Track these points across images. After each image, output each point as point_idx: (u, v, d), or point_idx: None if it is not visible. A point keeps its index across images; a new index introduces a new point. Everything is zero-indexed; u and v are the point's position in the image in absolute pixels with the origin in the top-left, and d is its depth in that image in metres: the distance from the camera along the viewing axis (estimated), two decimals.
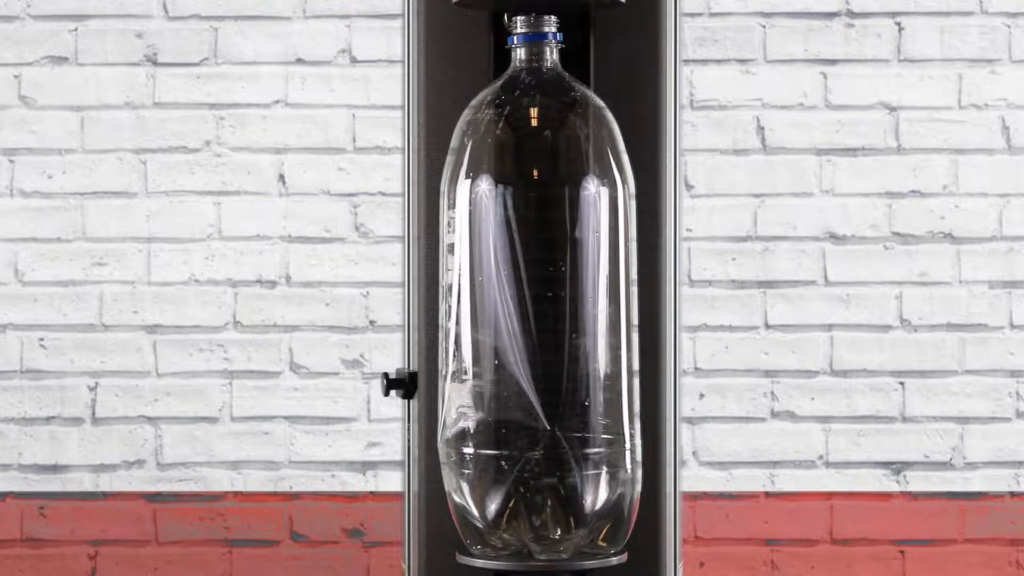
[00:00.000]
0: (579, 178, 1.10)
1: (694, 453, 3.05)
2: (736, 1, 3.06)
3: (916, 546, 3.07)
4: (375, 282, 3.06)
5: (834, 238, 3.07)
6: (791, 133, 3.07)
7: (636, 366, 1.10)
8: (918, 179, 3.07)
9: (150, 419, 3.07)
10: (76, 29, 3.07)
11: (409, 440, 1.27)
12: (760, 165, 3.07)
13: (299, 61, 3.07)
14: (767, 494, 3.07)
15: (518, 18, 1.14)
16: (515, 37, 1.14)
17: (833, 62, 3.07)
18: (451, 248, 1.10)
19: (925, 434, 3.07)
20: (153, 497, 3.07)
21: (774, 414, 3.06)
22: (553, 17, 1.13)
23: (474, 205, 1.09)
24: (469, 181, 1.10)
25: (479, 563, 1.11)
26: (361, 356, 3.07)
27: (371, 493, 3.07)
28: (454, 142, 1.12)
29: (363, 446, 3.07)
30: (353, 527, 3.07)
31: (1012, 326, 3.07)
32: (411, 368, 1.26)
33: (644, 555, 1.21)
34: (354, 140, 3.07)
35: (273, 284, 3.07)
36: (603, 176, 1.10)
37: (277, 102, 3.08)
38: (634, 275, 1.11)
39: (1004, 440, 3.07)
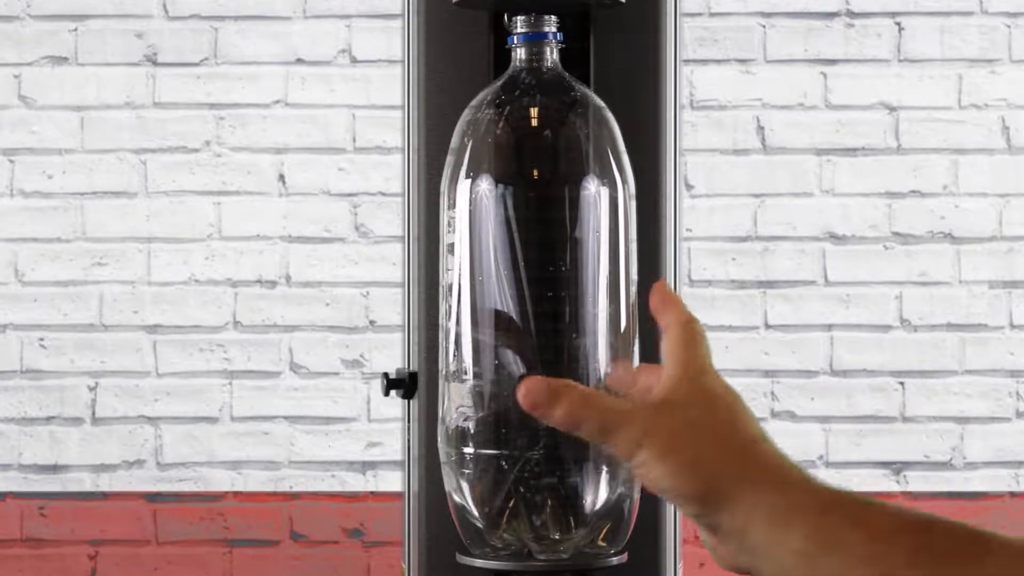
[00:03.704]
0: (579, 178, 1.10)
1: None
2: (736, 1, 3.06)
3: None
4: (375, 282, 3.06)
5: (834, 238, 3.07)
6: (791, 133, 3.07)
7: (636, 366, 1.10)
8: (918, 179, 3.07)
9: (150, 419, 3.07)
10: (76, 29, 3.07)
11: (409, 440, 1.27)
12: (760, 165, 3.07)
13: (299, 61, 3.07)
14: None
15: (518, 18, 1.14)
16: (515, 37, 1.14)
17: (833, 62, 3.07)
18: (451, 248, 1.10)
19: (925, 434, 3.07)
20: (153, 497, 3.07)
21: (774, 414, 3.05)
22: (553, 17, 1.13)
23: (474, 205, 1.09)
24: (469, 181, 1.10)
25: (479, 563, 1.11)
26: (361, 356, 3.07)
27: (371, 493, 3.07)
28: (454, 142, 1.13)
29: (363, 446, 3.07)
30: (353, 527, 3.07)
31: (1012, 326, 3.07)
32: (411, 368, 1.26)
33: (644, 555, 1.21)
34: (354, 140, 3.07)
35: (273, 284, 3.07)
36: (603, 176, 1.10)
37: (277, 102, 3.08)
38: (634, 275, 1.11)
39: (1004, 440, 3.07)
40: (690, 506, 0.94)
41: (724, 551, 0.94)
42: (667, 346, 1.00)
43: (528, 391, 0.97)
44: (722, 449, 0.95)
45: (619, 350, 1.09)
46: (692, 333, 1.00)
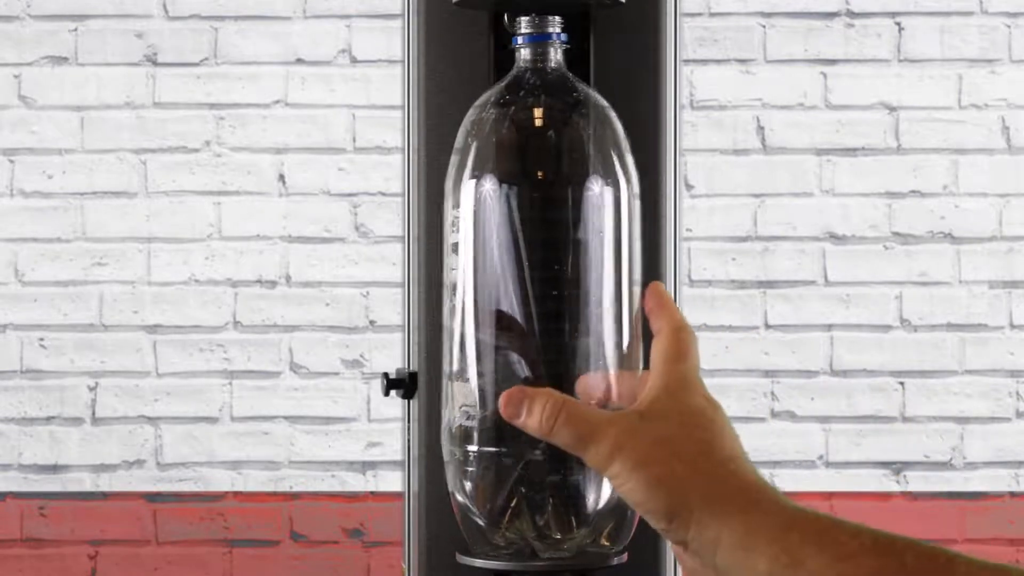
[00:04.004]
0: (583, 178, 1.10)
1: None
2: (736, 1, 3.06)
3: None
4: (375, 282, 3.06)
5: (834, 238, 3.07)
6: (791, 133, 3.07)
7: (640, 365, 1.10)
8: (918, 179, 3.07)
9: (150, 419, 3.07)
10: (76, 29, 3.07)
11: (409, 440, 1.27)
12: (760, 165, 3.07)
13: (299, 61, 3.07)
14: None
15: (522, 18, 1.14)
16: (519, 37, 1.14)
17: (833, 62, 3.07)
18: (455, 247, 1.10)
19: (925, 434, 3.07)
20: (153, 497, 3.07)
21: (774, 414, 3.05)
22: (558, 18, 1.14)
23: (478, 204, 1.09)
24: (473, 181, 1.10)
25: (479, 563, 1.11)
26: (361, 356, 3.07)
27: (371, 493, 3.07)
28: (458, 142, 1.13)
29: (363, 446, 3.07)
30: (353, 527, 3.07)
31: (1012, 326, 3.07)
32: (411, 368, 1.26)
33: (644, 555, 1.21)
34: (354, 140, 3.07)
35: (273, 284, 3.07)
36: (607, 176, 1.10)
37: (277, 102, 3.08)
38: (638, 275, 1.11)
39: (1004, 440, 3.07)
40: (658, 521, 0.94)
41: (692, 565, 0.94)
42: (654, 355, 1.00)
43: (507, 400, 0.99)
44: (693, 468, 0.95)
45: (623, 350, 1.09)
46: (681, 343, 1.00)
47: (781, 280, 3.07)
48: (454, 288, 1.09)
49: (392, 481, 3.08)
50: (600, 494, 1.08)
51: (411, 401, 1.25)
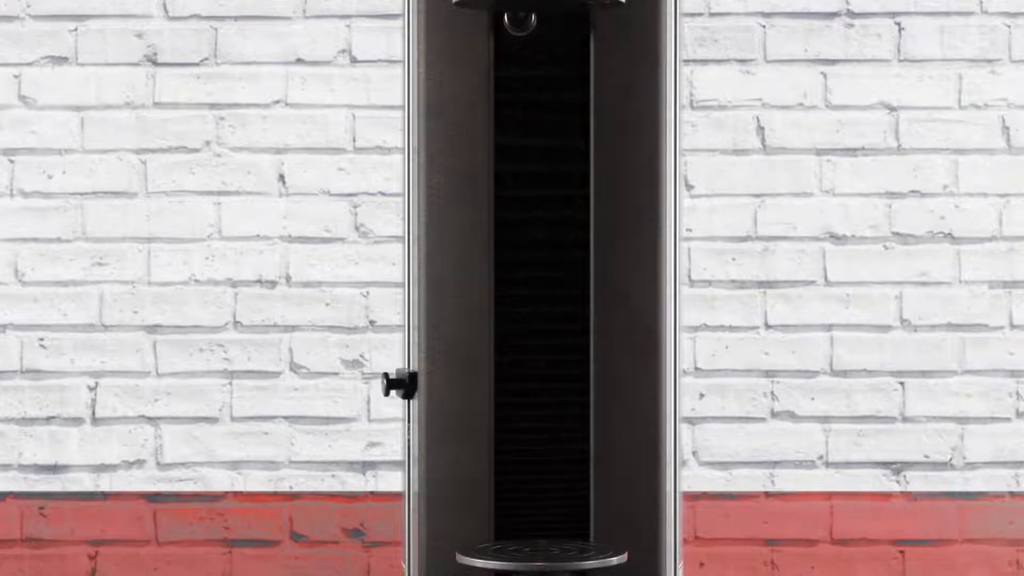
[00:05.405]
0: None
1: (694, 453, 3.05)
2: (736, 1, 3.06)
3: (916, 546, 3.07)
4: (375, 282, 3.07)
5: (834, 238, 3.07)
6: (791, 133, 3.07)
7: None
8: (918, 179, 3.07)
9: (150, 419, 3.07)
10: (76, 29, 3.07)
11: (409, 440, 1.27)
12: (760, 165, 3.07)
13: (299, 61, 3.07)
14: (767, 494, 3.07)
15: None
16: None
17: (833, 62, 3.07)
18: None
19: (925, 434, 3.07)
20: (153, 497, 3.07)
21: (774, 414, 3.05)
22: None
23: None
24: None
25: (479, 563, 1.12)
26: (361, 356, 3.07)
27: (371, 493, 3.07)
28: None
29: (363, 446, 3.07)
30: (353, 527, 3.07)
31: (1012, 326, 3.07)
32: (411, 368, 1.26)
33: (644, 555, 1.21)
34: (354, 140, 3.07)
35: (273, 284, 3.07)
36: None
37: (277, 102, 3.08)
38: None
39: (1004, 440, 3.07)
40: None
41: None
42: None
43: None
44: None
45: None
46: None
47: (781, 280, 3.07)
48: None
49: (392, 481, 3.08)
50: None
51: (411, 401, 1.25)
